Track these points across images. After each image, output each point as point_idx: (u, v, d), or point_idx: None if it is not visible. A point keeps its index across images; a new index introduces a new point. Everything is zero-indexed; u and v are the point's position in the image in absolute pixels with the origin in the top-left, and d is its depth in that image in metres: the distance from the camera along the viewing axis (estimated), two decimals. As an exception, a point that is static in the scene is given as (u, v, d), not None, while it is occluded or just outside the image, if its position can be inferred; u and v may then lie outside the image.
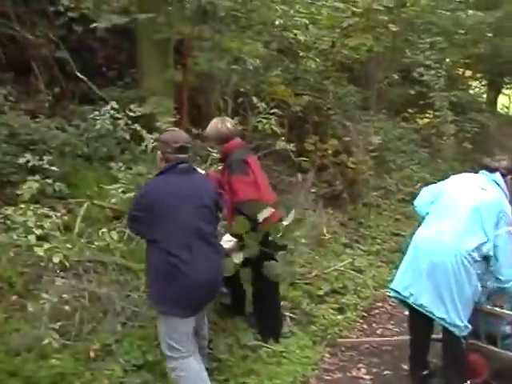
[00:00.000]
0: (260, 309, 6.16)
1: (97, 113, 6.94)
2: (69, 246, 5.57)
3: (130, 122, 6.65)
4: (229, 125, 5.93)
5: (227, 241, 5.39)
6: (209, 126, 6.01)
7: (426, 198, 5.90)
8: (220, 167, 6.27)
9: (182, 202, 4.58)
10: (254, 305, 6.24)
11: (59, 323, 5.07)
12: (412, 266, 5.52)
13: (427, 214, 5.72)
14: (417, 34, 15.22)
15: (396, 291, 5.66)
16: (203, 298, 4.74)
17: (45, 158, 6.27)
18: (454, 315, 5.18)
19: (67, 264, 5.42)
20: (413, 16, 13.82)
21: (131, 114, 6.75)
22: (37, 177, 5.84)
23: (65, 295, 5.36)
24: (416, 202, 6.05)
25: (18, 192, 5.70)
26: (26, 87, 8.61)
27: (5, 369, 4.67)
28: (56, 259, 5.22)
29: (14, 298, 5.59)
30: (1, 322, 5.26)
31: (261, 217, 5.47)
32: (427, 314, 5.35)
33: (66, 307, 5.26)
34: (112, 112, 6.80)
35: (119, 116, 6.76)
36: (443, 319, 5.25)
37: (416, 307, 5.44)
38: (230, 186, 5.68)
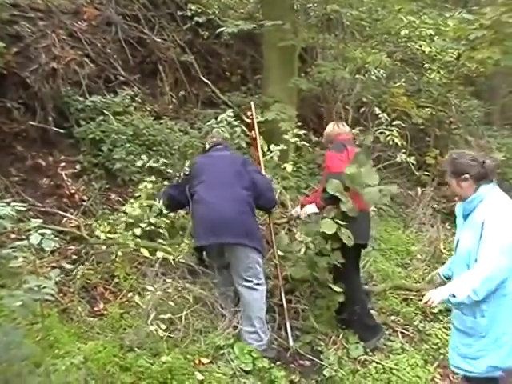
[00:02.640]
0: (349, 309, 6.05)
1: (214, 120, 7.08)
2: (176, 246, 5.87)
3: (246, 129, 6.84)
4: (340, 125, 6.24)
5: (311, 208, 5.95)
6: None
7: None
8: None
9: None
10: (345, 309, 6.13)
11: (167, 315, 5.21)
12: None
13: None
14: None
15: None
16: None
17: (161, 160, 6.65)
18: None
19: (172, 263, 5.69)
20: (543, 28, 13.27)
21: (248, 120, 6.81)
22: (153, 178, 6.24)
23: (170, 290, 5.47)
24: None
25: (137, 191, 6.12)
26: (151, 89, 8.83)
27: (118, 363, 4.74)
28: (159, 254, 5.49)
29: (130, 294, 5.70)
30: (116, 318, 5.38)
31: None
32: None
33: (171, 303, 5.35)
34: (229, 119, 6.90)
35: (236, 124, 6.87)
36: None
37: None
38: (325, 162, 5.96)
